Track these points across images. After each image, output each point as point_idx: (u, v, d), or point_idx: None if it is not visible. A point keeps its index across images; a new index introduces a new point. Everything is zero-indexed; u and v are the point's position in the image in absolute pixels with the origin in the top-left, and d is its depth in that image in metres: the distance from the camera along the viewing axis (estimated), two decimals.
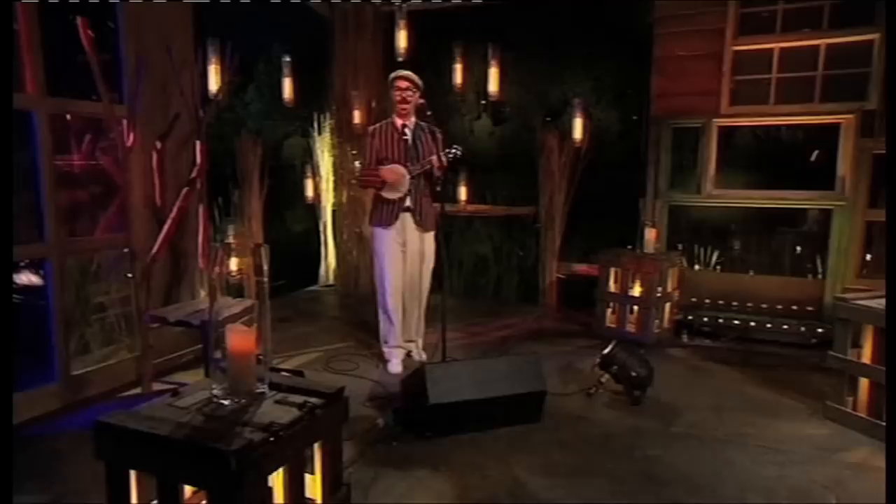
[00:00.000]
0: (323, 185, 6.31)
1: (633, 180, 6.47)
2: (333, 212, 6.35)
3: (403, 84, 3.77)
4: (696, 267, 5.57)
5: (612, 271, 4.80)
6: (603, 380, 3.53)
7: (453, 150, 3.79)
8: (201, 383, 1.87)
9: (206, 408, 1.70)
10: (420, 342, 4.13)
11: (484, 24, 6.23)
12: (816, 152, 6.34)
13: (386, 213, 3.85)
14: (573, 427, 3.15)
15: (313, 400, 1.75)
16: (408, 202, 3.84)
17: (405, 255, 3.90)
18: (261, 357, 1.79)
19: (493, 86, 5.04)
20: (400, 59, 4.72)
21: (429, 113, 3.81)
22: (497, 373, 3.11)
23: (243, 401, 1.73)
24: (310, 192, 6.09)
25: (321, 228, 6.48)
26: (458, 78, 5.19)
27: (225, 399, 1.73)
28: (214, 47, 4.30)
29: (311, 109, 6.41)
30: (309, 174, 6.07)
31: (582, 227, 5.96)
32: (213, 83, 4.25)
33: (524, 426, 3.11)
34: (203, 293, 3.99)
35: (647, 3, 5.43)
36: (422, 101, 3.74)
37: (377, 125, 3.93)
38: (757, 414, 3.30)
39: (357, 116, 5.72)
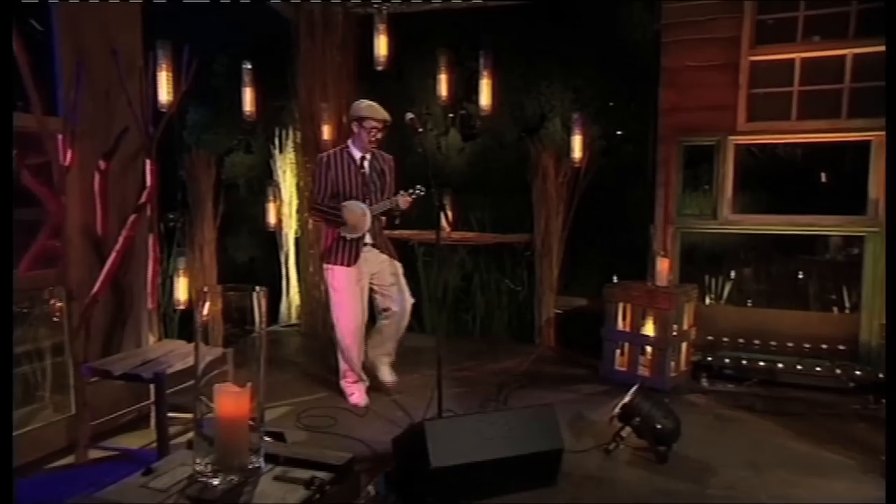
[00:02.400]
0: (285, 210, 6.19)
1: (624, 203, 6.52)
2: (297, 240, 6.22)
3: (380, 125, 4.00)
4: (708, 300, 5.58)
5: (621, 307, 4.74)
6: (623, 434, 3.44)
7: (417, 191, 4.04)
8: (180, 456, 1.71)
9: (190, 489, 1.54)
10: (389, 361, 4.35)
11: (452, 29, 6.25)
12: (823, 174, 6.50)
13: (347, 252, 4.04)
14: (595, 491, 3.06)
15: (321, 475, 1.61)
16: (367, 238, 4.08)
17: (363, 291, 4.13)
18: (254, 422, 1.65)
19: (484, 99, 5.00)
20: (379, 68, 4.66)
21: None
22: (506, 428, 3.01)
23: (235, 479, 1.58)
24: (272, 219, 5.94)
25: (282, 259, 6.33)
26: (443, 89, 5.15)
27: (213, 477, 1.57)
28: (165, 50, 4.16)
29: (260, 123, 6.31)
30: (271, 197, 5.93)
31: (576, 255, 5.94)
32: (164, 93, 4.10)
33: (538, 490, 3.00)
34: (152, 339, 3.83)
35: (629, 8, 5.53)
36: (410, 115, 3.74)
37: (330, 153, 4.13)
38: (802, 472, 3.25)
39: (326, 132, 5.64)
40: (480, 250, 6.40)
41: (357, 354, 4.15)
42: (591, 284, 6.29)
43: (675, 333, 4.54)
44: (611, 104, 6.83)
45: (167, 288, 5.43)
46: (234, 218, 6.81)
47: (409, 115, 3.72)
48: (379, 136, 4.01)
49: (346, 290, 4.05)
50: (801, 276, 5.50)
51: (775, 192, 5.72)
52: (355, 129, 4.04)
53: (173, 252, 5.71)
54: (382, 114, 3.99)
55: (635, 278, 5.04)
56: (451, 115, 6.97)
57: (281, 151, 6.27)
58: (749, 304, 5.70)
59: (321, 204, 4.06)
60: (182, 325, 5.70)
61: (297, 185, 6.13)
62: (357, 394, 4.18)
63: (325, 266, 4.13)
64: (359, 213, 4.00)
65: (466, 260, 6.47)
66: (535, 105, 6.84)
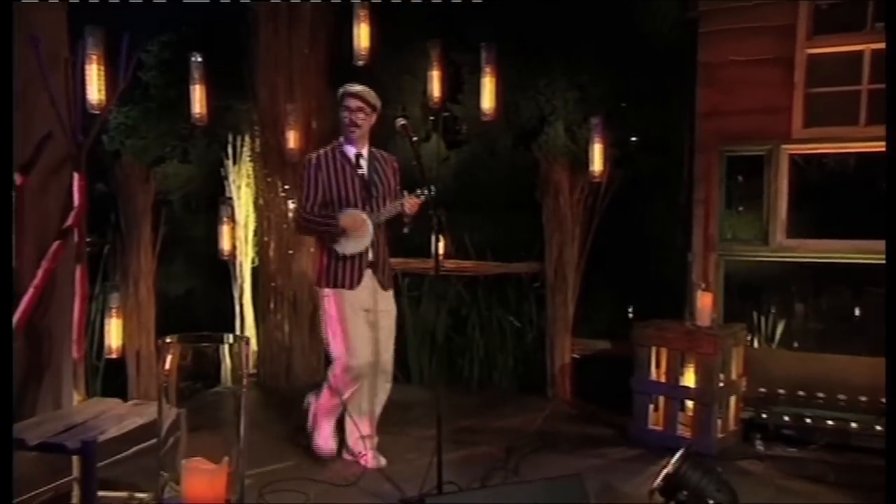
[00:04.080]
0: (240, 234, 6.16)
1: (644, 225, 6.51)
2: (254, 270, 6.18)
3: (354, 104, 3.96)
4: (756, 343, 5.54)
5: (654, 351, 4.71)
6: None
7: (427, 190, 3.94)
8: None
9: None
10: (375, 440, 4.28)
11: (432, 16, 6.26)
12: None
13: (348, 271, 4.00)
14: None
15: None
16: (370, 255, 4.05)
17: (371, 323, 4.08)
18: None
19: (487, 101, 4.98)
20: (360, 63, 4.64)
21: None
22: None
23: None
24: (225, 245, 5.91)
25: (235, 294, 6.28)
26: (435, 88, 5.13)
27: None
28: (96, 38, 4.11)
29: (201, 127, 6.26)
30: (225, 218, 5.88)
31: (590, 288, 5.91)
32: (95, 90, 4.05)
33: None
34: (77, 397, 3.76)
35: None
36: (403, 121, 3.80)
37: (320, 152, 4.13)
38: None
39: (292, 140, 5.64)
40: (479, 282, 6.35)
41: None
42: (602, 321, 6.27)
43: (721, 384, 4.50)
44: (623, 105, 6.84)
45: (90, 332, 5.33)
46: (169, 241, 6.73)
47: (401, 121, 3.77)
48: (357, 117, 3.96)
49: (354, 317, 3.99)
50: (870, 314, 5.47)
51: (828, 211, 5.73)
52: (340, 116, 4.04)
53: (99, 287, 5.61)
54: (359, 91, 3.96)
55: (664, 316, 5.00)
56: (432, 118, 6.96)
57: (235, 162, 6.22)
58: (799, 347, 5.67)
59: (311, 213, 4.02)
60: (107, 378, 5.56)
61: (256, 202, 6.09)
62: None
63: (320, 292, 4.09)
64: (358, 219, 3.96)
65: (463, 293, 6.42)
66: (533, 106, 6.84)
